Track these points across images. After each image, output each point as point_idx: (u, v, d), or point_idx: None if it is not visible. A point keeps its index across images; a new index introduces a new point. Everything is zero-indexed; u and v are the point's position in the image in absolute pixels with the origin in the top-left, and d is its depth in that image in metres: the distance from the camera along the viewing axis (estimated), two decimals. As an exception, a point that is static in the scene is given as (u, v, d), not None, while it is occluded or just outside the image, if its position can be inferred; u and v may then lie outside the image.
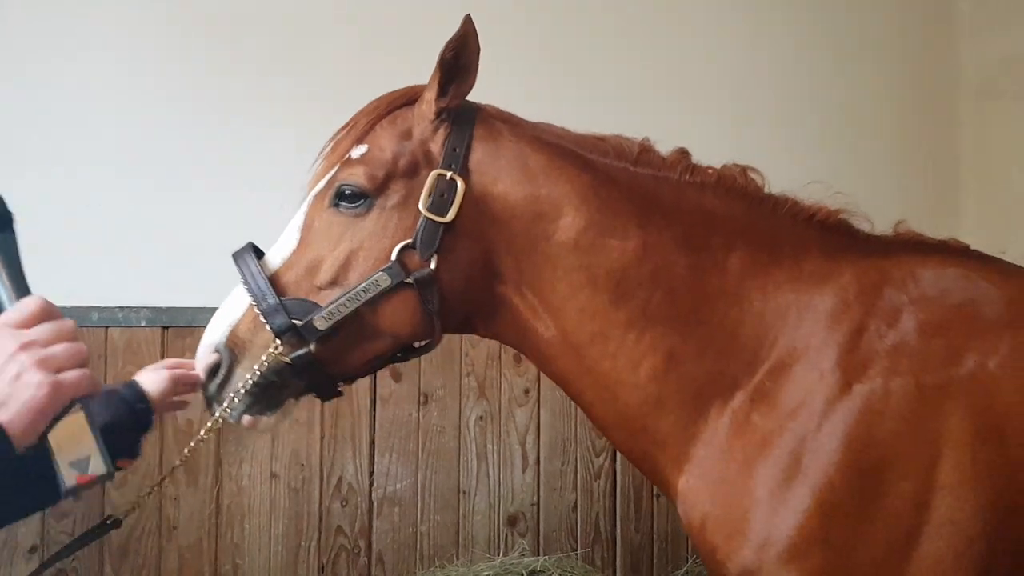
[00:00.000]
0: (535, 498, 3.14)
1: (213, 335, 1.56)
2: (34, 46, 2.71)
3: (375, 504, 2.96)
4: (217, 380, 1.56)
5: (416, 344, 1.65)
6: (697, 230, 1.61)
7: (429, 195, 1.54)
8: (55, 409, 0.96)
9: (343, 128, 1.63)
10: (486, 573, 2.81)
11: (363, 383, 2.92)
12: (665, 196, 1.62)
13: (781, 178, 1.70)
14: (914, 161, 4.13)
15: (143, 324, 2.65)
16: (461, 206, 1.54)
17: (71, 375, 0.96)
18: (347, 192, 1.56)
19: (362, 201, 1.56)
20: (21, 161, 2.67)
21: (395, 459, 2.99)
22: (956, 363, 1.52)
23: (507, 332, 1.66)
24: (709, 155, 1.70)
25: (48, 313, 1.00)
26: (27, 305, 1.01)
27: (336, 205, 1.57)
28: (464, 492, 3.05)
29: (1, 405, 0.92)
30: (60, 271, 2.62)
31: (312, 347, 1.53)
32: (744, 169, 1.67)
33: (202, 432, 1.60)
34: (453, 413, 3.05)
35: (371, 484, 2.95)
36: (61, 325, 1.00)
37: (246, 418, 1.57)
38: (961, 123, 4.28)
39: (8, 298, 1.06)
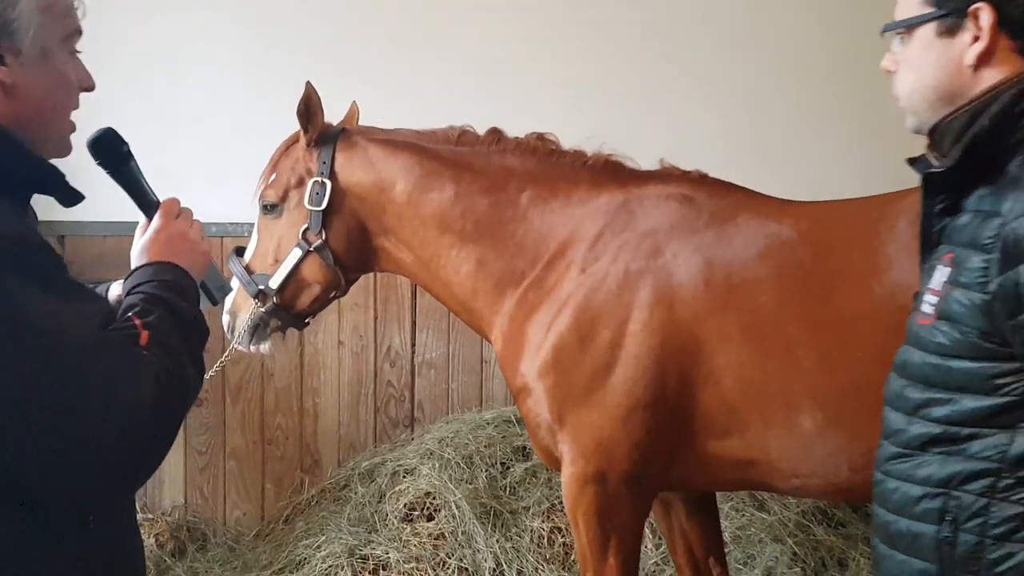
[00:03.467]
0: (544, 368, 4.06)
1: (225, 305, 2.54)
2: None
3: (416, 366, 4.02)
4: (228, 329, 2.58)
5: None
6: (498, 180, 2.46)
7: (309, 195, 2.46)
8: (205, 266, 1.51)
9: (268, 163, 2.58)
10: (487, 416, 3.79)
11: (405, 280, 3.95)
12: (476, 161, 2.48)
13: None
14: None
15: (245, 234, 3.81)
16: (331, 197, 2.45)
17: (205, 244, 1.50)
18: (267, 206, 2.51)
19: (276, 208, 2.51)
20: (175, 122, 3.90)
21: (431, 335, 4.02)
22: (655, 255, 2.28)
23: (390, 265, 2.60)
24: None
25: (180, 205, 1.50)
26: (171, 203, 1.48)
27: (265, 214, 2.53)
28: (486, 361, 4.02)
29: (186, 263, 1.42)
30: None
31: (275, 299, 2.52)
32: (540, 135, 2.49)
33: (222, 358, 2.67)
34: (475, 301, 4.01)
35: (413, 352, 4.01)
36: (186, 210, 1.50)
37: (252, 347, 2.59)
38: None
39: (142, 214, 1.52)
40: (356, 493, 3.61)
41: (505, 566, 3.24)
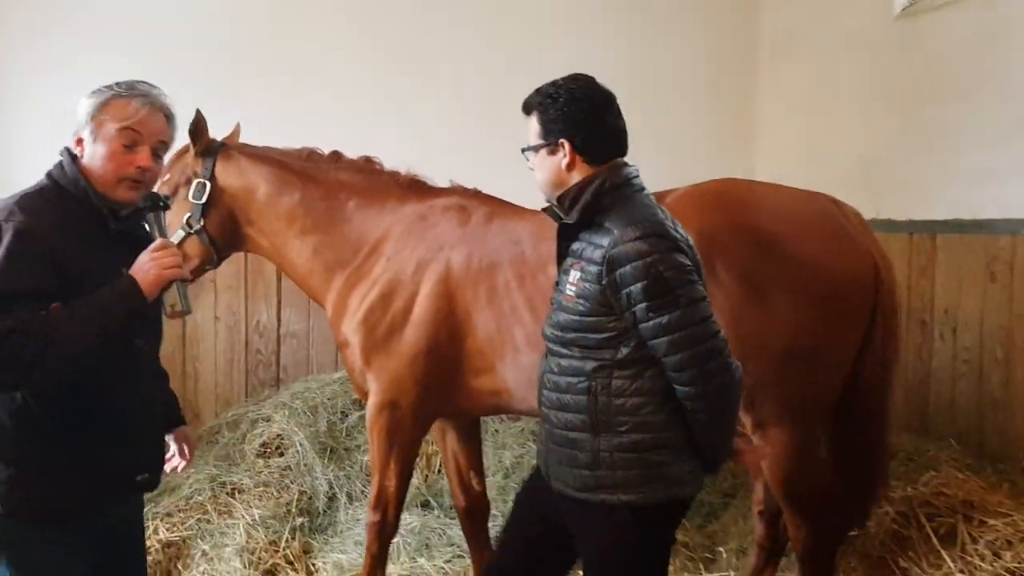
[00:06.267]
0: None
1: None
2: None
3: (281, 337, 4.88)
4: None
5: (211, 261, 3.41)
6: (333, 190, 3.35)
7: (193, 191, 3.28)
8: (161, 284, 2.14)
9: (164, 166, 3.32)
10: (335, 376, 4.69)
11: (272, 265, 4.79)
12: (318, 175, 3.36)
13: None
14: (720, 109, 5.51)
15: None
16: (209, 194, 3.28)
17: (169, 271, 2.14)
18: (165, 197, 3.09)
19: (169, 200, 3.23)
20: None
21: (294, 311, 4.89)
22: (439, 249, 3.20)
23: (253, 247, 3.45)
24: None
25: (165, 244, 2.18)
26: (156, 242, 2.19)
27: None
28: (339, 335, 4.90)
29: (141, 278, 2.10)
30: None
31: None
32: (368, 158, 3.40)
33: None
34: (332, 286, 4.89)
35: (279, 325, 4.87)
36: (169, 248, 2.17)
37: None
38: (759, 78, 5.61)
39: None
40: (224, 437, 4.44)
41: (337, 490, 4.13)
